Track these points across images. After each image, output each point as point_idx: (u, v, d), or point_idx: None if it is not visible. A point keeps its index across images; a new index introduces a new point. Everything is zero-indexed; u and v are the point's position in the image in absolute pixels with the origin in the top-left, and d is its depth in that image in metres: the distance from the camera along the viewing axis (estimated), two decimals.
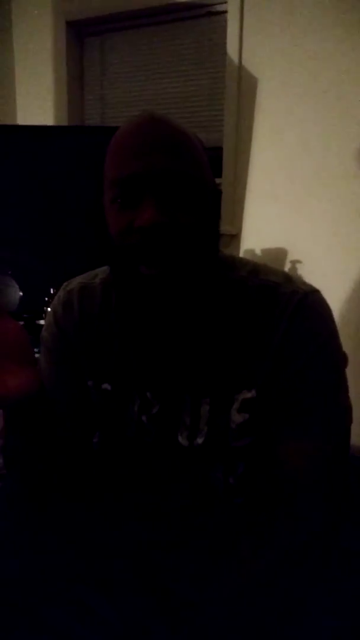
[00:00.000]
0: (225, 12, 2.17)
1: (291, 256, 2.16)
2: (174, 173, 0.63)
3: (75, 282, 0.81)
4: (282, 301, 0.70)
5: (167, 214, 0.62)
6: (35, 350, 0.98)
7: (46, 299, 1.99)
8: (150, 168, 0.62)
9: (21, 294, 2.04)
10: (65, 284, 0.83)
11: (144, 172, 0.62)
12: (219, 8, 2.22)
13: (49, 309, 0.84)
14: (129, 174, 0.63)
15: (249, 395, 0.70)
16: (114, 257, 0.68)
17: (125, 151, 0.65)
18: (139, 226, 0.62)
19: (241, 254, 2.27)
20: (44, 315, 1.99)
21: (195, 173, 0.65)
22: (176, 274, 0.64)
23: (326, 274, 2.06)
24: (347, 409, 0.71)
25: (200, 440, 0.72)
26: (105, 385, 0.75)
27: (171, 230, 0.63)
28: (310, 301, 0.70)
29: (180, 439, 0.72)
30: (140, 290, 0.65)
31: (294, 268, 2.14)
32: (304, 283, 0.74)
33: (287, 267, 2.16)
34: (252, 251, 2.26)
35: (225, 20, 2.16)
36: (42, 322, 1.97)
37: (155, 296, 0.65)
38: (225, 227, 2.22)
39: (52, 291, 1.99)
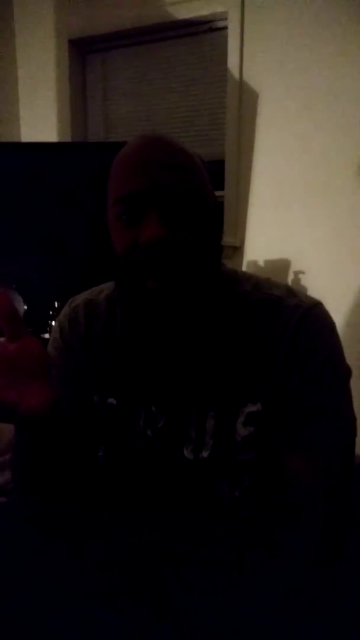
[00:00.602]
0: (225, 28, 2.20)
1: (294, 267, 2.16)
2: (178, 189, 0.64)
3: (81, 298, 0.82)
4: (286, 315, 0.70)
5: (171, 230, 0.63)
6: None
7: (50, 312, 2.01)
8: (154, 184, 0.64)
9: (26, 307, 2.05)
10: (70, 300, 0.84)
11: (148, 188, 0.64)
12: (220, 24, 2.26)
13: (53, 323, 0.85)
14: (134, 190, 0.64)
15: (254, 408, 0.71)
16: (120, 272, 0.69)
17: (129, 169, 0.66)
18: (145, 242, 0.63)
19: (244, 266, 2.28)
20: (48, 328, 2.00)
21: (197, 190, 0.67)
22: (182, 287, 0.65)
23: (329, 284, 2.06)
24: (352, 421, 0.71)
25: (205, 454, 0.72)
26: (111, 400, 0.76)
27: (176, 245, 0.64)
28: (313, 315, 0.71)
29: (185, 452, 0.73)
30: (146, 304, 0.66)
31: (297, 279, 2.15)
32: (307, 297, 0.74)
33: (290, 278, 2.16)
34: (255, 262, 2.27)
35: (226, 36, 2.19)
36: (46, 335, 1.98)
37: (161, 310, 0.66)
38: (228, 239, 2.23)
39: (56, 305, 2.00)
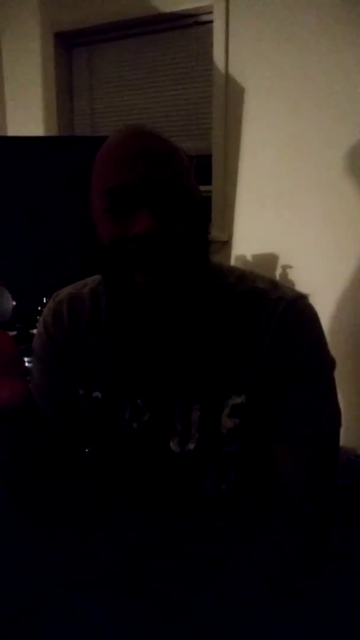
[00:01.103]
0: (211, 22, 2.19)
1: (282, 261, 2.17)
2: (166, 182, 0.64)
3: (65, 292, 0.82)
4: (270, 307, 0.71)
5: (160, 223, 0.63)
6: (28, 359, 0.99)
7: (39, 308, 1.99)
8: (142, 177, 0.63)
9: (14, 303, 2.04)
10: (55, 294, 0.83)
11: (136, 181, 0.63)
12: (206, 18, 2.25)
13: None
14: (122, 183, 0.64)
15: (238, 400, 0.71)
16: (108, 265, 0.68)
17: (115, 162, 0.65)
18: (135, 234, 0.63)
19: (232, 260, 2.28)
20: (37, 324, 1.99)
21: (184, 182, 0.67)
22: (170, 281, 0.65)
23: (317, 278, 2.07)
24: (336, 413, 0.72)
25: (191, 446, 0.72)
26: (96, 394, 0.76)
27: (165, 238, 0.63)
28: (297, 307, 0.71)
29: (171, 445, 0.73)
30: (134, 298, 0.66)
31: (285, 273, 2.16)
32: (291, 289, 0.75)
33: (278, 273, 2.17)
34: (243, 257, 2.27)
35: (212, 30, 2.18)
36: (34, 331, 1.97)
37: (149, 303, 0.66)
38: (216, 234, 2.23)
39: (44, 300, 1.98)
